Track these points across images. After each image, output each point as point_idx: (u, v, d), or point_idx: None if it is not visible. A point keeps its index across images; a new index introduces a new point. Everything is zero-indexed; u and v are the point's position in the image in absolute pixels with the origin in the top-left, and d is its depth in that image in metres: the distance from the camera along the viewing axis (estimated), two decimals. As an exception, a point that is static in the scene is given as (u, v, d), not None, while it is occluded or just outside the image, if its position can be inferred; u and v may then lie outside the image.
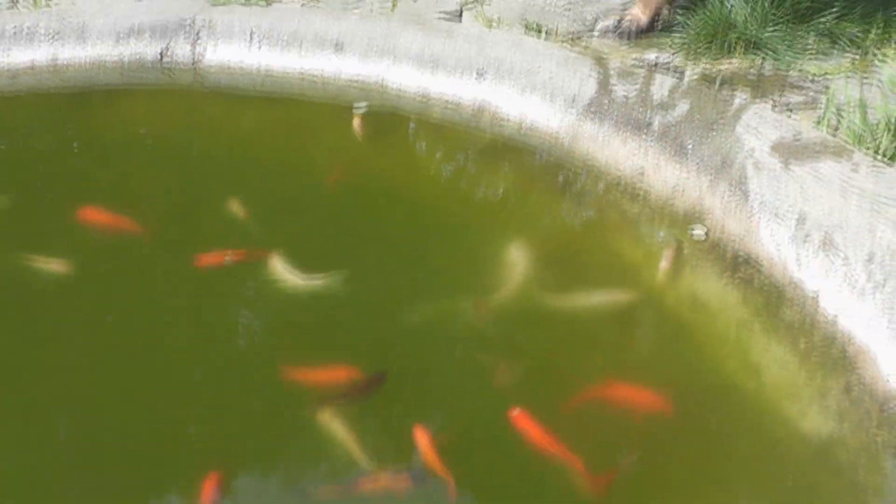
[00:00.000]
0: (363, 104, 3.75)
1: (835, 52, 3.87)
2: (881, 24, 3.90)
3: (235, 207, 3.24)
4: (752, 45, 3.84)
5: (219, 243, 3.04)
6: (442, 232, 3.09)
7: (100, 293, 2.86)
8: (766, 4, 3.92)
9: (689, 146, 3.12)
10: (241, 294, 2.92)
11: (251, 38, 4.10)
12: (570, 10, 4.23)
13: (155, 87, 4.18)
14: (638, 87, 3.44)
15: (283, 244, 3.02)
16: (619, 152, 3.23)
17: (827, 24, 3.95)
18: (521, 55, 3.64)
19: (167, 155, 3.69)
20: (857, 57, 3.81)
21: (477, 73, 3.64)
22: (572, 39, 3.95)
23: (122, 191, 3.41)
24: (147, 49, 4.18)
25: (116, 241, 3.11)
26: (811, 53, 3.86)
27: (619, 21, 3.97)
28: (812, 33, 3.93)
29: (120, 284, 2.89)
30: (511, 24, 4.06)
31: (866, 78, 3.66)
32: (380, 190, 3.40)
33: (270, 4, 4.44)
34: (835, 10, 3.98)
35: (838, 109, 3.31)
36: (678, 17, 4.02)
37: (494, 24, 4.08)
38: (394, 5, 4.33)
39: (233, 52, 4.11)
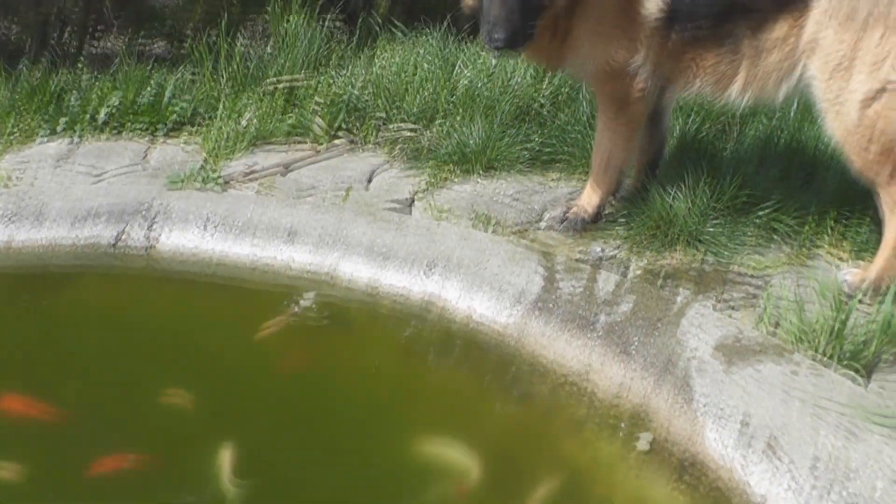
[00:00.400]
0: (311, 294, 3.79)
1: (773, 245, 4.01)
2: (816, 217, 4.05)
3: (177, 396, 3.23)
4: (693, 239, 3.97)
5: (148, 435, 3.00)
6: (383, 430, 3.08)
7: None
8: (706, 198, 4.07)
9: (634, 345, 3.18)
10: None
11: (206, 226, 4.16)
12: (517, 200, 4.36)
13: (108, 271, 4.20)
14: (583, 283, 3.51)
15: (225, 436, 3.00)
16: (565, 350, 3.27)
17: (765, 217, 4.10)
18: (469, 249, 3.72)
19: (113, 340, 3.67)
20: (794, 251, 3.93)
21: (426, 267, 3.70)
22: (520, 231, 4.06)
23: (56, 376, 3.38)
24: (103, 233, 4.22)
25: (29, 430, 3.08)
26: (750, 247, 3.98)
27: (565, 213, 4.08)
28: (751, 227, 4.07)
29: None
30: (460, 216, 4.16)
31: (802, 273, 3.77)
32: (326, 382, 3.40)
33: (226, 190, 4.53)
34: (771, 203, 4.14)
35: (777, 307, 3.39)
36: (622, 209, 4.16)
37: (444, 214, 4.18)
38: (346, 194, 4.44)
39: (187, 238, 4.15)
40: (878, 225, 3.86)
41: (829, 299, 3.26)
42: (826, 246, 3.99)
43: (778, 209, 4.09)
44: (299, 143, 5.16)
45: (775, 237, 4.05)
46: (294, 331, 3.67)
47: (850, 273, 3.62)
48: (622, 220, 4.10)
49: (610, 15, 3.68)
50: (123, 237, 4.19)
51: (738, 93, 3.69)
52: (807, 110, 4.44)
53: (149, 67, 5.75)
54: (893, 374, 3.18)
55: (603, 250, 3.91)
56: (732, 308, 3.51)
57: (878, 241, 3.67)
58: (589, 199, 4.07)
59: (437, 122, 5.03)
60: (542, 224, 4.10)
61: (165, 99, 5.40)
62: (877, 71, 3.30)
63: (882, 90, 3.31)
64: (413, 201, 4.37)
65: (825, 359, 3.14)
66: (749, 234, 4.07)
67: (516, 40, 3.52)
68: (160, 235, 4.15)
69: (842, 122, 3.43)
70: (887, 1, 3.28)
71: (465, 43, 5.90)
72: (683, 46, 3.68)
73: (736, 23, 3.58)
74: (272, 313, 3.77)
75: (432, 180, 4.55)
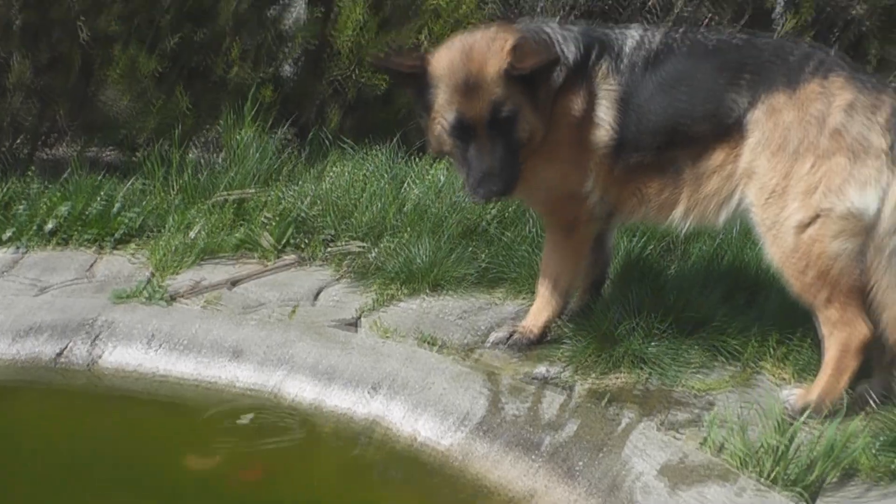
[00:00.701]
0: (249, 416, 3.75)
1: (717, 365, 4.05)
2: (759, 337, 4.10)
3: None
4: (637, 360, 3.99)
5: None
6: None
7: None
8: (651, 319, 4.11)
9: (579, 468, 3.16)
10: None
11: (150, 342, 4.12)
12: (463, 319, 4.38)
13: (48, 388, 4.12)
14: (528, 404, 3.52)
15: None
16: (509, 473, 3.25)
17: (708, 337, 4.15)
18: (414, 370, 3.72)
19: (47, 460, 3.59)
20: (738, 371, 3.97)
21: (371, 388, 3.68)
22: (466, 351, 4.06)
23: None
24: (44, 348, 4.15)
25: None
26: (695, 367, 4.02)
27: (511, 334, 4.10)
28: (695, 347, 4.11)
29: None
30: (406, 335, 4.16)
31: (746, 394, 3.81)
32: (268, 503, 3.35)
33: (172, 304, 4.50)
34: (716, 323, 4.19)
35: (722, 429, 3.41)
36: (567, 328, 4.19)
37: (390, 334, 4.17)
38: (293, 311, 4.43)
39: (131, 355, 4.10)
40: (818, 346, 3.92)
41: (772, 421, 3.27)
42: (769, 367, 4.03)
43: (721, 330, 4.13)
44: (248, 257, 5.16)
45: (719, 357, 4.09)
46: (237, 451, 3.61)
47: (793, 394, 3.66)
48: (567, 340, 4.13)
49: (564, 144, 3.79)
50: (66, 353, 4.12)
51: (680, 218, 3.81)
52: (749, 231, 4.54)
53: (100, 177, 5.75)
54: (837, 498, 3.19)
55: (548, 371, 3.92)
56: (677, 429, 3.52)
57: (819, 362, 3.72)
58: (535, 319, 4.10)
59: (385, 238, 5.05)
60: (488, 344, 4.11)
61: (114, 210, 5.38)
62: (810, 198, 3.43)
63: (816, 216, 3.44)
64: (360, 319, 4.37)
65: (770, 482, 3.14)
66: (693, 354, 4.11)
67: (510, 187, 3.70)
68: (103, 352, 4.09)
69: (779, 246, 3.54)
70: (816, 132, 3.44)
71: (414, 159, 6.00)
72: (629, 174, 3.80)
73: (677, 152, 3.71)
74: (214, 433, 3.71)
75: (379, 297, 4.56)
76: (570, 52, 3.72)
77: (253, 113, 6.15)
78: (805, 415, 3.48)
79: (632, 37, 3.79)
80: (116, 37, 6.03)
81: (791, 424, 3.31)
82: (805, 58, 3.59)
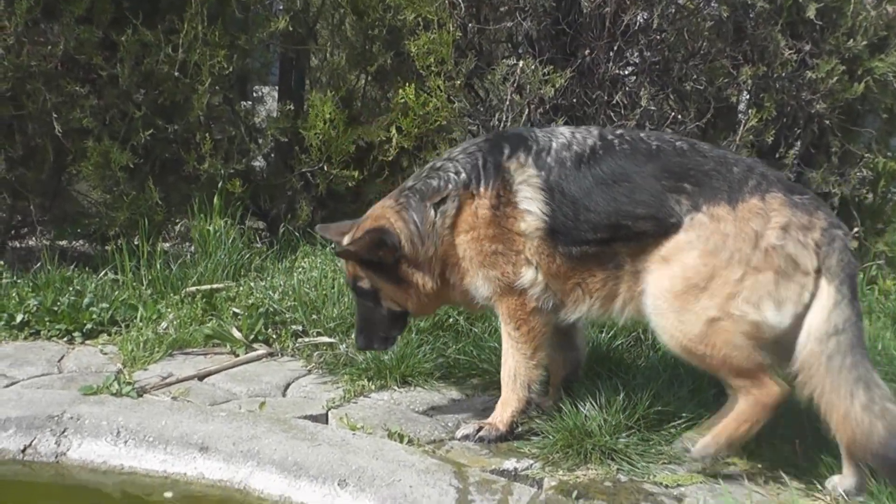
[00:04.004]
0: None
1: (686, 459, 4.05)
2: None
3: None
4: (607, 453, 4.01)
5: None
6: None
7: None
8: (620, 413, 4.14)
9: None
10: None
11: (117, 437, 4.09)
12: (432, 413, 4.40)
13: (12, 480, 4.06)
14: (497, 498, 3.51)
15: None
16: (478, 570, 3.23)
17: (677, 432, 4.18)
18: (382, 464, 3.70)
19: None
20: (707, 465, 3.98)
21: (339, 482, 3.66)
22: (434, 445, 4.07)
23: None
24: (9, 444, 4.10)
25: None
26: (665, 460, 4.03)
27: (479, 429, 4.12)
28: (665, 440, 4.14)
29: None
30: (375, 429, 4.17)
31: (716, 486, 3.82)
32: None
33: (141, 397, 4.48)
34: (685, 415, 4.23)
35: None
36: (536, 423, 4.20)
37: (359, 428, 4.17)
38: (262, 405, 4.42)
39: (98, 450, 4.06)
40: (786, 440, 3.99)
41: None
42: (739, 461, 4.06)
43: (691, 424, 4.17)
44: (217, 350, 5.16)
45: (689, 451, 4.10)
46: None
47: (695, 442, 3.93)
48: (535, 435, 4.15)
49: (486, 239, 4.01)
50: (32, 446, 4.07)
51: (618, 310, 4.03)
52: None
53: (70, 269, 5.78)
54: None
55: (517, 465, 3.93)
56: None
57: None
58: (501, 414, 4.14)
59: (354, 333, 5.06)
60: (457, 438, 4.13)
61: (85, 302, 5.39)
62: (728, 301, 3.73)
63: (730, 315, 3.73)
64: (328, 412, 4.37)
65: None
66: (663, 447, 4.13)
67: (372, 345, 4.38)
68: (69, 447, 4.05)
69: (684, 332, 3.80)
70: (751, 247, 3.72)
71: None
72: (573, 266, 3.99)
73: (619, 246, 3.92)
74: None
75: (348, 391, 4.58)
76: (462, 176, 4.07)
77: (224, 206, 6.21)
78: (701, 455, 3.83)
79: (561, 135, 4.07)
80: (89, 131, 6.10)
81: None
82: (747, 172, 3.87)
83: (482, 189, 4.01)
